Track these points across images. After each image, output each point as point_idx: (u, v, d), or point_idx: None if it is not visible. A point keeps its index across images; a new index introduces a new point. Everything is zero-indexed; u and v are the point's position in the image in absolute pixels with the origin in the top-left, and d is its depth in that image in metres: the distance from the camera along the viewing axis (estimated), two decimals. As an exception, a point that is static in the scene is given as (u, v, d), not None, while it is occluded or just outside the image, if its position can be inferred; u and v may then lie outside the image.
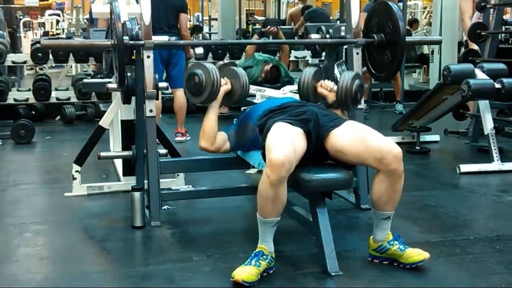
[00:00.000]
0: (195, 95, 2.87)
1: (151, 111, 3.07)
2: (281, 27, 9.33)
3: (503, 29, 5.40)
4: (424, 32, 11.41)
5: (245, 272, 2.32)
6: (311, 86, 2.95)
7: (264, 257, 2.40)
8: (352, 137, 2.51)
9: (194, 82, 2.83)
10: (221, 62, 5.29)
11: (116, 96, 3.70)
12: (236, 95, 2.90)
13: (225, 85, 2.88)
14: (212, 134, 2.87)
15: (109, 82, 3.82)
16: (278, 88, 5.06)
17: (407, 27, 9.19)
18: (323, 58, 5.58)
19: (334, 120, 2.61)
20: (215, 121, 2.87)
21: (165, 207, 3.31)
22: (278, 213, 2.40)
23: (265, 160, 2.67)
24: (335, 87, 2.88)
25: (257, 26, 9.40)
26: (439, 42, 5.55)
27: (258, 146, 2.71)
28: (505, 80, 4.19)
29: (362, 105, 3.40)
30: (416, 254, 2.47)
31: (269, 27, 6.26)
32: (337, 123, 2.59)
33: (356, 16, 3.34)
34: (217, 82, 2.80)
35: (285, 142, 2.36)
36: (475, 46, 5.57)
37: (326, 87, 2.91)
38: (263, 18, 11.35)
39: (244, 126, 2.91)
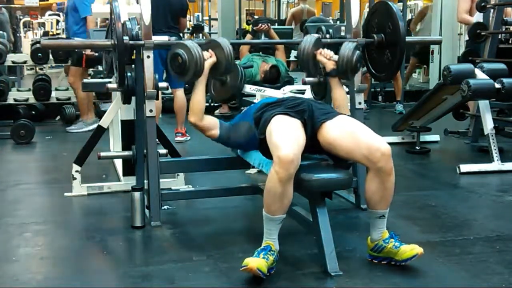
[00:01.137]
0: (180, 74, 2.88)
1: (151, 111, 3.07)
2: (281, 26, 9.36)
3: (503, 29, 5.40)
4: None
5: (257, 261, 2.31)
6: (310, 54, 2.99)
7: (272, 252, 2.40)
8: (343, 131, 2.53)
9: (177, 63, 2.84)
10: None
11: (116, 96, 3.69)
12: (222, 66, 2.91)
13: (210, 58, 2.88)
14: (200, 108, 2.87)
15: (109, 82, 3.82)
16: (278, 88, 5.06)
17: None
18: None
19: (327, 114, 2.63)
20: (202, 95, 2.88)
21: (165, 207, 3.31)
22: (285, 210, 2.42)
23: (264, 154, 2.67)
24: (335, 56, 2.93)
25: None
26: (439, 42, 5.56)
27: (256, 145, 2.72)
28: (505, 80, 4.19)
29: (362, 105, 3.40)
30: (408, 250, 2.45)
31: (260, 25, 6.25)
32: (330, 116, 2.61)
33: (356, 16, 3.34)
34: (200, 60, 2.81)
35: (291, 138, 2.39)
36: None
37: (326, 55, 2.96)
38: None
39: (241, 125, 2.90)
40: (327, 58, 2.94)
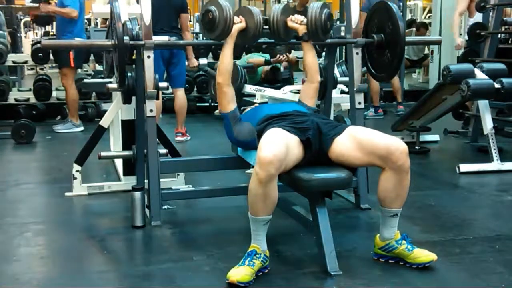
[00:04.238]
0: (209, 31, 2.97)
1: (151, 111, 3.07)
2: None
3: (503, 29, 5.41)
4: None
5: (240, 272, 2.32)
6: (281, 21, 3.03)
7: (257, 256, 2.40)
8: (357, 141, 2.50)
9: (208, 19, 2.92)
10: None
11: (117, 96, 3.70)
12: (250, 33, 2.98)
13: (240, 23, 2.95)
14: (227, 70, 2.93)
15: (110, 82, 3.83)
16: (278, 88, 5.07)
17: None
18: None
19: (336, 128, 2.60)
20: (230, 56, 2.94)
21: (165, 206, 3.32)
22: (269, 211, 2.40)
23: None
24: (306, 20, 2.96)
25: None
26: (438, 42, 5.54)
27: (255, 148, 2.71)
28: (504, 80, 4.19)
29: (362, 105, 3.40)
30: (424, 255, 2.48)
31: (278, 55, 5.92)
32: (340, 130, 2.58)
33: (356, 16, 3.34)
34: (229, 19, 2.90)
35: (277, 142, 2.35)
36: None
37: (297, 20, 2.99)
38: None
39: (245, 125, 2.90)
40: (298, 23, 2.98)
